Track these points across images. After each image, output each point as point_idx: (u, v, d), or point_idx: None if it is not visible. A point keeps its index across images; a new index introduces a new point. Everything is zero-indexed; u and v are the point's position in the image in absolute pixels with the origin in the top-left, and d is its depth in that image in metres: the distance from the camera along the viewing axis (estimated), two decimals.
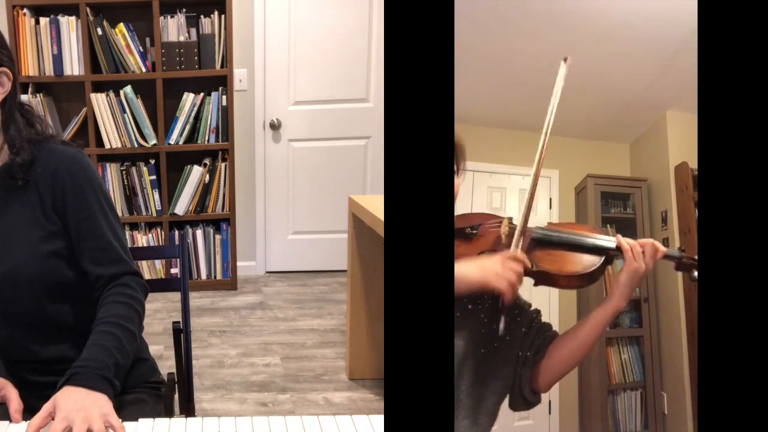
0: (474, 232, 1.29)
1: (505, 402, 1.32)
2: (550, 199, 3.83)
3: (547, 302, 3.57)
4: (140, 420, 1.15)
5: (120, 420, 1.12)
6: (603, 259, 1.26)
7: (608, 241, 1.28)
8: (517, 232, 1.24)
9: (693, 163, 3.28)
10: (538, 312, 1.36)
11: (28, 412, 1.17)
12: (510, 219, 1.33)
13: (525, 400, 1.30)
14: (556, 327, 1.35)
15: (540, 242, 1.30)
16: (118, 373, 1.22)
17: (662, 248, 1.24)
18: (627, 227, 3.71)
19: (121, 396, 1.35)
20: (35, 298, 1.31)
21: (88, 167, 1.34)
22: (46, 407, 1.12)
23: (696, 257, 1.25)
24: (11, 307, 1.32)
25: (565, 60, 1.32)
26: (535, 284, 1.28)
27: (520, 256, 1.17)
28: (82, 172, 1.32)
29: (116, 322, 1.28)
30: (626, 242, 1.25)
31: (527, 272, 1.23)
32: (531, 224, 1.32)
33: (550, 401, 3.69)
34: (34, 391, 1.31)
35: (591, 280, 1.26)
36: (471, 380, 1.20)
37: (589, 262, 1.26)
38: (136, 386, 1.45)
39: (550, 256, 1.27)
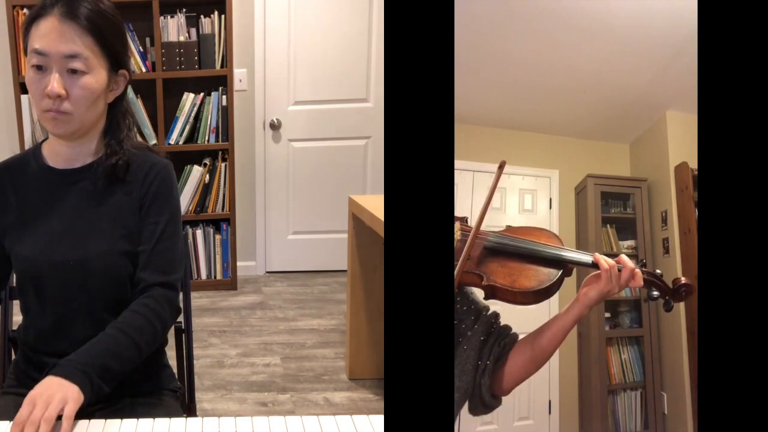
0: None
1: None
2: (550, 199, 3.83)
3: None
4: (140, 420, 1.15)
5: (74, 414, 1.10)
6: (560, 272, 1.20)
7: (581, 255, 1.21)
8: (465, 249, 1.14)
9: (693, 163, 3.28)
10: (496, 315, 1.31)
11: None
12: (464, 220, 1.26)
13: (485, 405, 1.27)
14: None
15: (494, 251, 1.23)
16: (105, 375, 1.20)
17: (640, 280, 1.17)
18: (627, 227, 3.72)
19: (145, 398, 1.37)
20: (98, 292, 1.33)
21: (174, 179, 1.43)
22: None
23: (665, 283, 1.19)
24: (70, 296, 1.34)
25: (501, 166, 1.22)
26: (485, 298, 1.23)
27: None
28: (169, 181, 1.40)
29: (124, 329, 1.28)
30: (605, 261, 1.18)
31: (478, 285, 1.18)
32: (491, 227, 1.25)
33: (550, 401, 3.69)
34: None
35: (545, 295, 1.19)
36: None
37: (545, 276, 1.19)
38: (160, 392, 1.45)
39: (503, 269, 1.20)
